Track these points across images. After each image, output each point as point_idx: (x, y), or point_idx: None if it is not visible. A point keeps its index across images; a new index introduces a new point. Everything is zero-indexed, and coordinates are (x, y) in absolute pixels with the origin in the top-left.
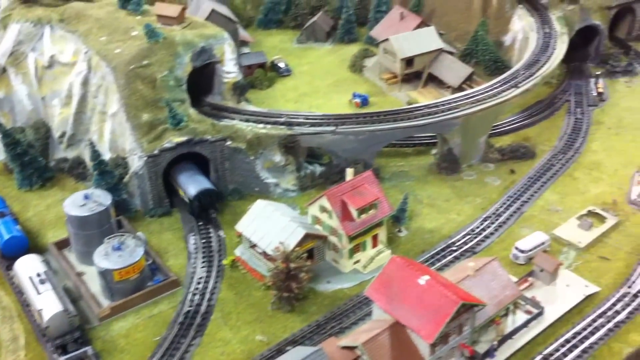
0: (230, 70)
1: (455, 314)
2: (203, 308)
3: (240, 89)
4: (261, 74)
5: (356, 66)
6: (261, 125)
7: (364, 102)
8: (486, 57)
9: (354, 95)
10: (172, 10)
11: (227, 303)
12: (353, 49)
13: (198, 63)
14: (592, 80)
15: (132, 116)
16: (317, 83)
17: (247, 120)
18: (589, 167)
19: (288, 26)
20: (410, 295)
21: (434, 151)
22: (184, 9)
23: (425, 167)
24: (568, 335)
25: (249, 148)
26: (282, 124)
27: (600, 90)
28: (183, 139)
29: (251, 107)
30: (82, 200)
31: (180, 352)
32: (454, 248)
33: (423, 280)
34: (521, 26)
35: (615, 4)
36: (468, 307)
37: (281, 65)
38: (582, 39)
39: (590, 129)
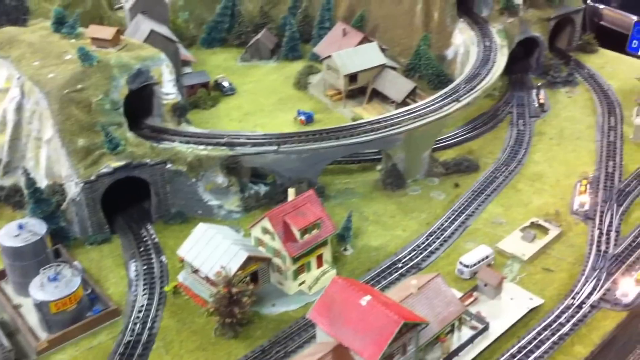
0: (169, 91)
1: (397, 333)
2: (144, 337)
3: (180, 110)
4: (204, 94)
5: (301, 83)
6: (202, 147)
7: (309, 119)
8: (429, 71)
9: (299, 113)
10: (107, 32)
11: (169, 331)
12: (298, 66)
13: (135, 85)
14: (534, 91)
15: (67, 142)
16: (262, 101)
17: (187, 142)
18: (532, 178)
19: (232, 44)
20: (352, 316)
21: (379, 167)
22: (118, 31)
23: (370, 184)
24: (513, 350)
25: (190, 170)
26: (223, 144)
27: (542, 101)
28: (121, 163)
29: (192, 129)
30: (16, 231)
31: None
32: (400, 265)
33: (364, 301)
34: (462, 40)
35: (554, 16)
36: (411, 326)
37: (225, 84)
38: (524, 51)
39: (533, 140)
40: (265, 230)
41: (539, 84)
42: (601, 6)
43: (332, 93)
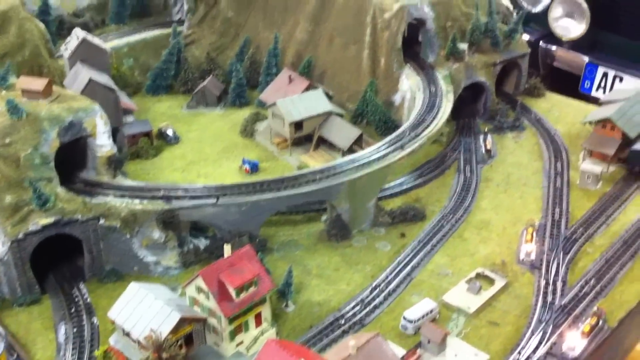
0: (103, 143)
1: None
2: None
3: (115, 163)
4: (146, 143)
5: (247, 131)
6: (137, 201)
7: (254, 168)
8: (376, 117)
9: (244, 162)
10: (38, 84)
11: None
12: (245, 113)
13: (67, 138)
14: (481, 136)
15: None
16: (206, 150)
17: (122, 196)
18: (478, 226)
19: (178, 91)
20: None
21: (324, 217)
22: (50, 83)
23: (315, 235)
24: None
25: (125, 226)
26: (159, 198)
27: (489, 146)
28: (50, 220)
29: (128, 182)
30: None
31: None
32: (342, 322)
33: None
34: (409, 85)
35: (500, 61)
36: None
37: (169, 132)
38: (471, 95)
39: (480, 186)
40: (199, 289)
41: (486, 129)
42: (554, 47)
43: (278, 141)
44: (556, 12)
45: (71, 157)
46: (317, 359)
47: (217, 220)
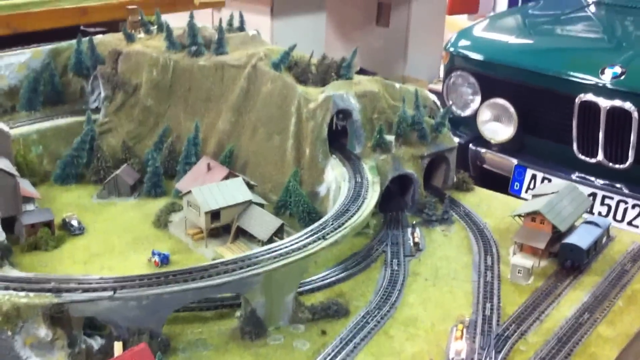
0: None
1: None
2: None
3: (2, 251)
4: (46, 234)
5: (160, 221)
6: (23, 294)
7: (164, 260)
8: (299, 208)
9: (153, 254)
10: None
11: None
12: (160, 203)
13: None
14: (409, 229)
15: None
16: (113, 241)
17: (6, 288)
18: (405, 323)
19: (89, 181)
20: None
21: (237, 313)
22: None
23: (227, 333)
24: None
25: (6, 322)
26: (48, 290)
27: (417, 239)
28: None
29: (15, 273)
30: None
31: None
32: None
33: None
34: (334, 176)
35: (427, 154)
36: None
37: (74, 222)
38: (398, 189)
39: (407, 280)
40: None
41: (414, 222)
42: (483, 150)
43: (193, 232)
44: (484, 115)
45: None
46: None
47: (113, 316)
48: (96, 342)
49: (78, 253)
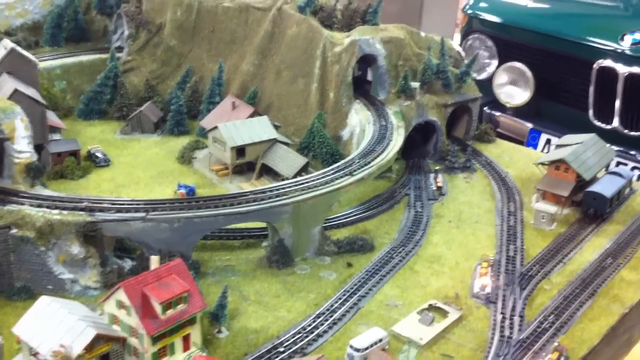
0: (22, 149)
1: None
2: None
3: (34, 172)
4: (72, 163)
5: (185, 157)
6: (56, 211)
7: (190, 193)
8: (323, 150)
9: (179, 186)
10: None
11: None
12: (183, 141)
13: None
14: (432, 175)
15: None
16: (138, 174)
17: (39, 206)
18: (430, 260)
19: (112, 117)
20: None
21: (264, 243)
22: None
23: (254, 261)
24: None
25: (39, 237)
26: (81, 209)
27: (440, 184)
28: None
29: (47, 192)
30: None
31: None
32: (281, 349)
33: None
34: (358, 120)
35: (451, 103)
36: None
37: (98, 155)
38: (421, 138)
39: (431, 222)
40: (119, 304)
41: (436, 168)
42: (497, 114)
43: (218, 168)
44: (501, 79)
45: None
46: None
47: (145, 238)
48: (127, 264)
49: (104, 184)
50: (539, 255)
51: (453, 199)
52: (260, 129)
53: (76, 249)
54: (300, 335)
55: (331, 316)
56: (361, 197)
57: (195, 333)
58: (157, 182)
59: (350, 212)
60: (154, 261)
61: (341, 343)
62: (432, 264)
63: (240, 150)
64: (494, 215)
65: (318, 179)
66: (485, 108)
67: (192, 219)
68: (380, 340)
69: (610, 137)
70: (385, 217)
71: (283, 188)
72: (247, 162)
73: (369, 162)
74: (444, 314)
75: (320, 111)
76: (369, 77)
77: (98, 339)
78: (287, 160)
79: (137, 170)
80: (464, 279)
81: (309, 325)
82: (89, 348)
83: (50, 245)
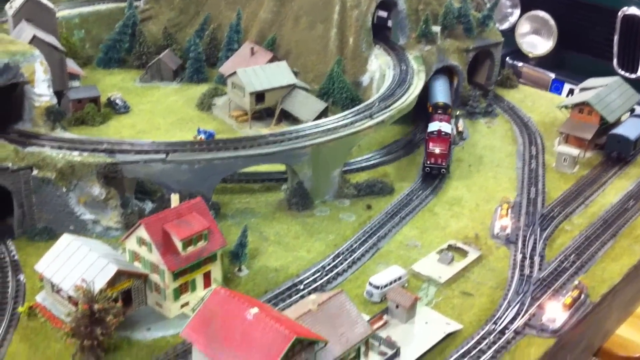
0: (42, 92)
1: (288, 352)
2: None
3: (54, 115)
4: (92, 109)
5: (204, 104)
6: (76, 153)
7: (210, 137)
8: (343, 95)
9: (199, 131)
10: None
11: (17, 357)
12: (202, 89)
13: (1, 81)
14: (452, 120)
15: None
16: (158, 121)
17: (59, 148)
18: (450, 202)
19: (131, 66)
20: (235, 332)
21: (284, 186)
22: None
23: (273, 204)
24: None
25: (60, 179)
26: (102, 151)
27: (460, 129)
28: None
29: (67, 134)
30: None
31: None
32: (301, 287)
33: (251, 314)
34: (378, 65)
35: (473, 47)
36: (306, 344)
37: (118, 102)
38: None
39: (451, 166)
40: (141, 241)
41: (457, 113)
42: (520, 64)
43: (237, 114)
44: (523, 28)
45: (6, 107)
46: (270, 311)
47: (166, 179)
48: (147, 206)
49: (124, 130)
50: (560, 198)
51: (474, 143)
52: (280, 74)
53: (97, 190)
54: (319, 273)
55: (350, 256)
56: (381, 141)
57: (216, 270)
58: (177, 128)
59: (370, 157)
60: (174, 199)
61: (360, 281)
62: (452, 206)
63: (259, 96)
64: (515, 159)
65: (338, 121)
66: (507, 58)
67: (212, 161)
68: (400, 278)
69: (634, 86)
70: (405, 161)
71: (302, 130)
72: (266, 107)
73: (389, 106)
74: (463, 253)
75: (340, 57)
76: (389, 23)
77: (119, 275)
78: (306, 105)
79: (157, 117)
80: (484, 221)
81: (329, 264)
82: (111, 284)
83: (71, 186)
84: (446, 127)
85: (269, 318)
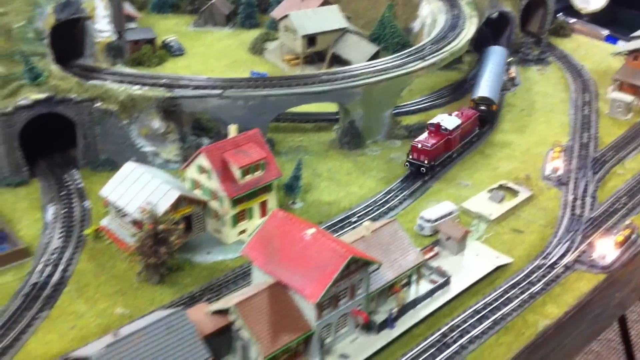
0: (102, 28)
1: (344, 270)
2: (55, 279)
3: (115, 50)
4: (149, 51)
5: (256, 48)
6: (137, 87)
7: None
8: (394, 40)
9: (252, 73)
10: None
11: (84, 275)
12: (254, 34)
13: (63, 16)
14: (504, 66)
15: None
16: (212, 63)
17: (121, 81)
18: (501, 145)
19: (185, 11)
20: (293, 251)
21: (336, 126)
22: None
23: (325, 143)
24: (478, 306)
25: (122, 111)
26: (161, 85)
27: (512, 75)
28: (42, 96)
29: (128, 69)
30: None
31: (22, 325)
32: (354, 220)
33: (308, 234)
34: (430, 10)
35: None
36: (361, 265)
37: (173, 44)
38: (493, 32)
39: (502, 110)
40: (200, 169)
41: (509, 59)
42: (572, 20)
43: (289, 58)
44: None
45: (68, 43)
46: (326, 234)
47: (222, 115)
48: (204, 142)
49: (179, 71)
50: (613, 143)
51: (526, 89)
52: (331, 18)
53: (157, 123)
54: (371, 207)
55: (401, 193)
56: (432, 86)
57: (271, 201)
58: (231, 69)
59: (422, 100)
60: (233, 130)
61: (411, 216)
62: (503, 149)
63: (311, 39)
64: (568, 105)
65: (390, 62)
66: (559, 14)
67: (266, 98)
68: (451, 213)
69: None
70: (456, 105)
71: (355, 70)
72: (317, 51)
73: (442, 48)
74: (514, 193)
75: (391, 2)
76: None
77: (181, 201)
78: (357, 48)
79: (211, 59)
80: (535, 164)
81: (381, 199)
82: (174, 208)
83: (133, 119)
84: (450, 122)
85: (326, 238)
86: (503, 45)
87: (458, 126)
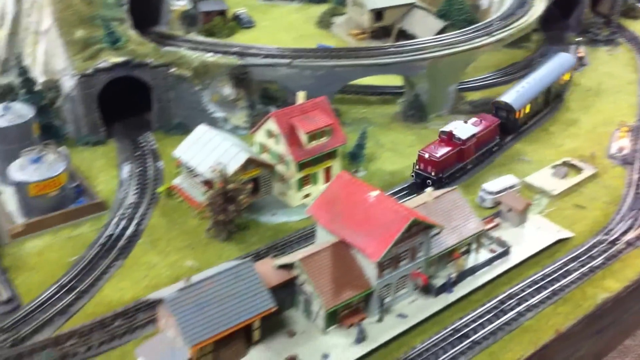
0: None
1: (406, 231)
2: (129, 232)
3: (189, 19)
4: (220, 22)
5: (324, 22)
6: (210, 54)
7: None
8: (461, 17)
9: (319, 46)
10: None
11: (157, 229)
12: (322, 8)
13: None
14: (572, 46)
15: (65, 32)
16: (280, 36)
17: (195, 49)
18: (566, 123)
19: None
20: (356, 211)
21: (400, 99)
22: None
23: (389, 115)
24: (536, 277)
25: (195, 77)
26: (233, 53)
27: (581, 54)
28: (120, 59)
29: (201, 38)
30: (1, 111)
31: (98, 272)
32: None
33: (372, 196)
34: None
35: None
36: (422, 228)
37: (243, 16)
38: (562, 12)
39: (569, 89)
40: (269, 133)
41: (578, 39)
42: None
43: (355, 32)
44: None
45: (146, 9)
46: (389, 197)
47: (290, 83)
48: (272, 110)
49: (249, 42)
50: None
51: (594, 69)
52: None
53: (228, 90)
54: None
55: (464, 166)
56: (498, 64)
57: (335, 167)
58: (299, 42)
59: (487, 77)
60: (300, 96)
61: (472, 188)
62: (568, 127)
63: (378, 14)
64: (637, 87)
65: (456, 37)
66: None
67: (333, 68)
68: (513, 187)
69: None
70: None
71: (421, 43)
72: (383, 26)
73: (509, 25)
74: (577, 170)
75: None
76: None
77: (250, 163)
78: (424, 23)
79: (279, 32)
80: (600, 142)
81: None
82: (243, 169)
83: (205, 85)
84: (464, 130)
85: (389, 200)
86: (572, 25)
87: (473, 135)
